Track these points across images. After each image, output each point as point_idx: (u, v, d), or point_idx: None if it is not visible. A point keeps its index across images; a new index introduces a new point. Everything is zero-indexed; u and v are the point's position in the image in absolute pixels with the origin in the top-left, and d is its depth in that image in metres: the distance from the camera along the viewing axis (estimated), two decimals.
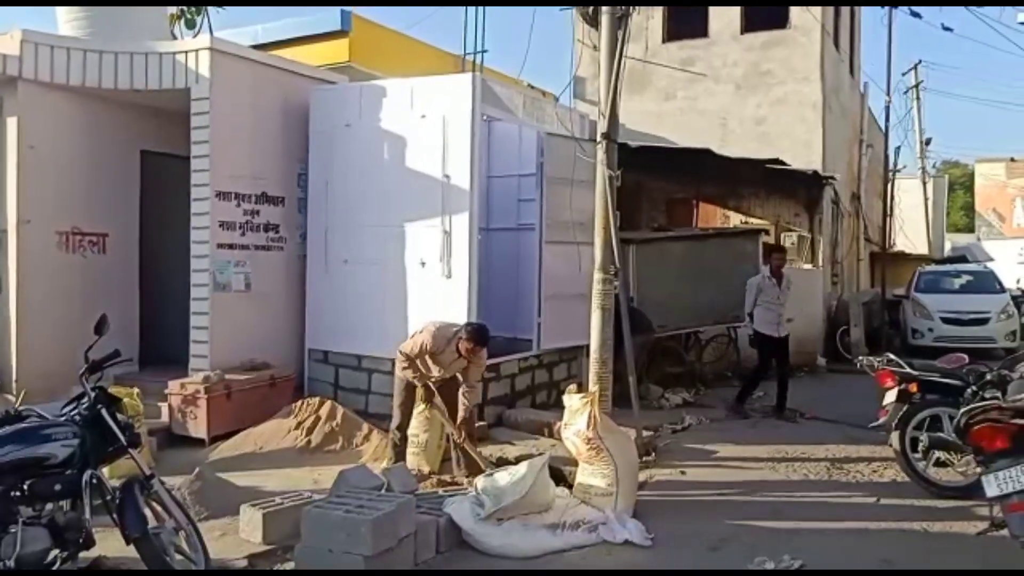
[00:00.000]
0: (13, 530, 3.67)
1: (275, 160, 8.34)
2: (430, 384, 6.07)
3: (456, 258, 7.51)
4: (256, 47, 9.94)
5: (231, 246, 7.92)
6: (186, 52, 7.80)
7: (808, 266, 13.23)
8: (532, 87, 13.89)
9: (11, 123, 7.76)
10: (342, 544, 4.23)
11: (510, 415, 7.72)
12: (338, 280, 8.17)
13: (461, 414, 6.03)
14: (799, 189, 13.24)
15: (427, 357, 6.00)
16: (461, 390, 6.06)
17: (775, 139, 13.52)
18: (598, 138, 6.90)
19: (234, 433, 7.06)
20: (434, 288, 7.55)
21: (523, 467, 5.20)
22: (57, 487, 3.89)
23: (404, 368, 6.03)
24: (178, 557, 4.19)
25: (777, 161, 12.02)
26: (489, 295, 8.05)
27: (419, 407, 6.21)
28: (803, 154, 13.16)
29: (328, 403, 7.29)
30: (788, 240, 13.20)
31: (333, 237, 8.23)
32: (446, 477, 5.96)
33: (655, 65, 14.18)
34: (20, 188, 7.71)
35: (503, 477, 5.16)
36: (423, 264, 7.69)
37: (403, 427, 6.20)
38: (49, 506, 3.89)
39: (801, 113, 13.75)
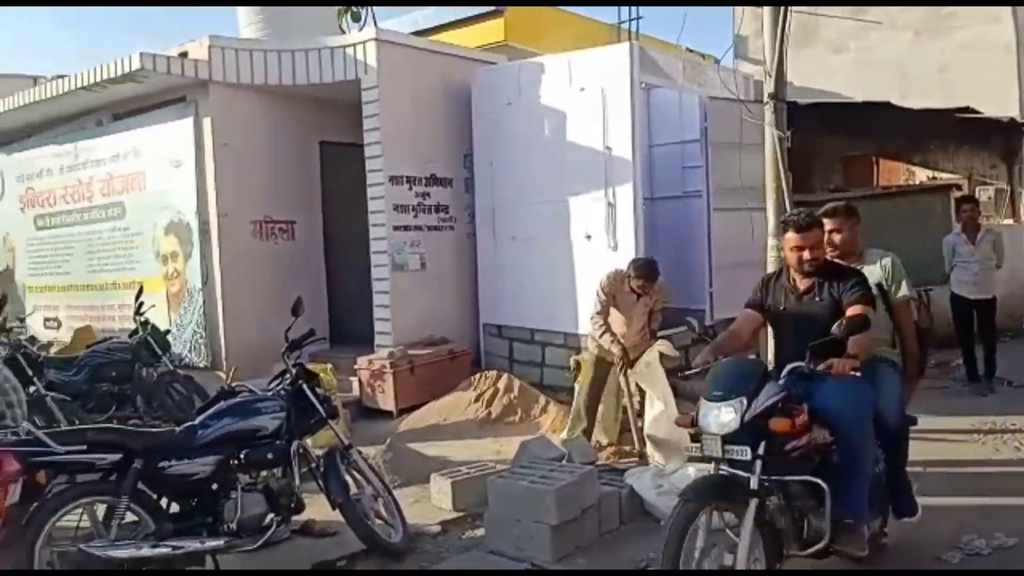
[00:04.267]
0: (234, 496, 4.01)
1: (442, 143, 8.61)
2: (626, 350, 6.03)
3: (621, 230, 7.48)
4: (417, 33, 10.27)
5: (406, 227, 8.29)
6: (354, 45, 8.17)
7: (1008, 221, 12.14)
8: (691, 51, 13.51)
9: (206, 123, 8.44)
10: (528, 514, 4.35)
11: (684, 386, 7.62)
12: (507, 256, 8.35)
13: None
14: (994, 138, 12.14)
15: (610, 309, 6.05)
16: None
17: (960, 87, 12.43)
18: (765, 99, 6.61)
19: (419, 406, 7.42)
20: (600, 261, 7.51)
21: None
22: (269, 456, 4.19)
23: (600, 330, 6.00)
24: (378, 522, 4.47)
25: (968, 110, 11.07)
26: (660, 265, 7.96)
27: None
28: (994, 100, 12.03)
29: (505, 376, 7.51)
30: (984, 194, 12.14)
31: (500, 215, 8.42)
32: (625, 448, 5.99)
33: (823, 16, 13.37)
34: (218, 183, 8.40)
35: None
36: (588, 237, 7.71)
37: (592, 407, 6.23)
38: (263, 473, 4.19)
39: (990, 57, 12.57)
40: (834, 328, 3.45)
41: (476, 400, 7.27)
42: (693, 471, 5.03)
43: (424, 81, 8.43)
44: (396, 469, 5.56)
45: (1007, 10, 12.50)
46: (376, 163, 8.18)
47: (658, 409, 5.66)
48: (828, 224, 4.09)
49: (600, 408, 6.29)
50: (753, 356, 4.53)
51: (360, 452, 4.75)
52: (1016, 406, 6.94)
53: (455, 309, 8.61)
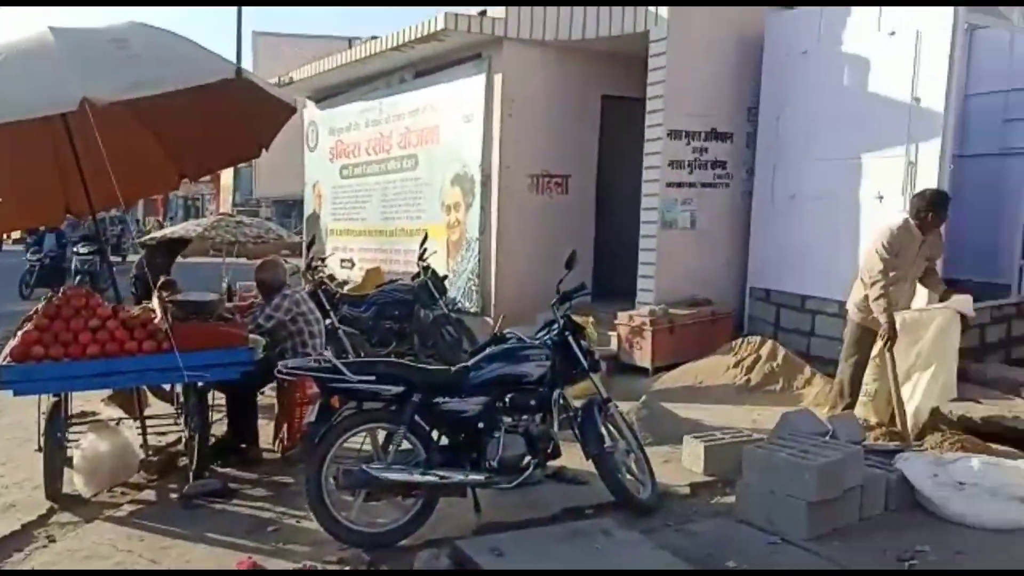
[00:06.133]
0: (497, 435, 4.27)
1: (725, 95, 8.32)
2: (895, 322, 5.53)
3: None
4: None
5: (679, 184, 8.16)
6: None
7: None
8: None
9: (497, 79, 8.88)
10: (784, 487, 4.20)
11: (978, 370, 6.85)
12: (784, 217, 7.94)
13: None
14: None
15: (893, 261, 5.53)
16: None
17: None
18: None
19: (675, 365, 7.38)
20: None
21: None
22: (531, 402, 4.40)
23: (877, 298, 5.48)
24: (628, 477, 4.55)
25: None
26: (959, 232, 7.15)
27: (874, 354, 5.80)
28: None
29: (769, 343, 7.23)
30: None
31: (781, 172, 7.99)
32: (895, 429, 5.54)
33: None
34: (503, 137, 8.82)
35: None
36: (880, 198, 7.08)
37: (855, 382, 5.84)
38: (524, 418, 4.40)
39: None
40: None
41: (735, 365, 7.08)
42: (977, 462, 4.58)
43: (714, 31, 8.18)
44: (649, 427, 5.60)
45: None
46: (656, 117, 8.09)
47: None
48: None
49: (874, 387, 5.83)
50: None
51: (616, 407, 4.82)
52: None
53: (722, 270, 8.39)
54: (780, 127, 8.00)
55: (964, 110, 7.72)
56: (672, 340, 7.57)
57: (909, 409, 5.51)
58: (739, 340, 7.44)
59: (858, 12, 7.34)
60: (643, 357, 7.58)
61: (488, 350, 4.55)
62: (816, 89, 7.63)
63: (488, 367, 4.40)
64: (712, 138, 8.30)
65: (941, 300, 5.72)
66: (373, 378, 4.17)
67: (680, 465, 5.16)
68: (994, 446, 5.29)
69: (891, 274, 5.48)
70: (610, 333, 7.94)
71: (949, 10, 6.56)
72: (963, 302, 5.52)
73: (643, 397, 6.12)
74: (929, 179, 6.67)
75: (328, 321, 6.74)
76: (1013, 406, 6.03)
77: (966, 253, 7.08)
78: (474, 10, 8.95)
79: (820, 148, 7.59)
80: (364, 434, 4.27)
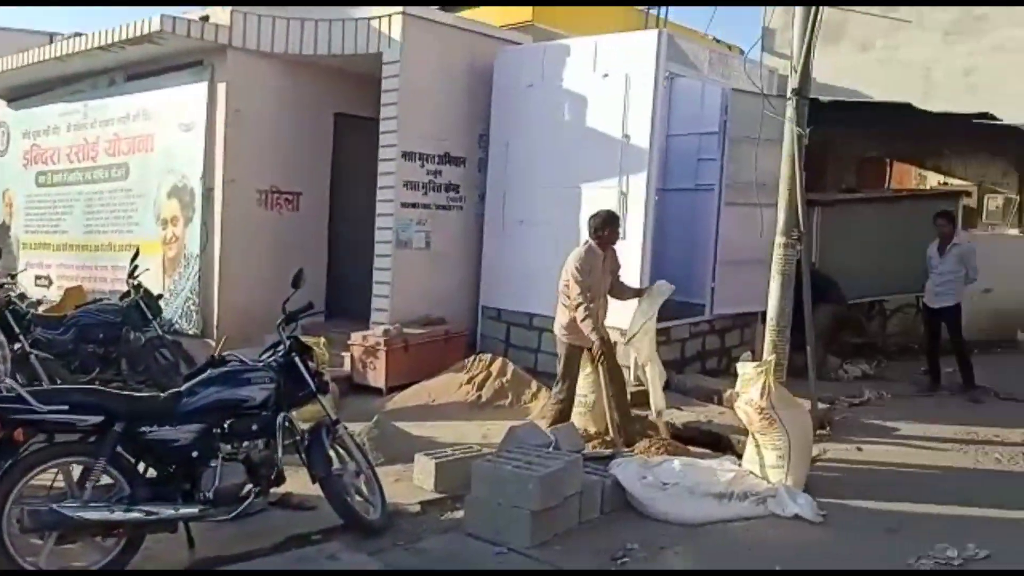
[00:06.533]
0: (213, 464, 3.99)
1: (459, 121, 8.52)
2: (604, 337, 5.93)
3: (631, 220, 7.39)
4: (444, 6, 10.13)
5: (414, 205, 8.23)
6: (380, 18, 8.07)
7: (1015, 231, 11.95)
8: (718, 41, 13.31)
9: (221, 88, 8.42)
10: (510, 498, 4.34)
11: (679, 380, 7.58)
12: (513, 240, 8.29)
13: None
14: (1010, 146, 11.91)
15: (587, 282, 5.93)
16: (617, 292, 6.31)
17: (986, 91, 12.16)
18: (788, 94, 6.49)
19: (409, 385, 7.38)
20: None
21: None
22: (254, 427, 4.18)
23: (584, 319, 5.84)
24: (358, 498, 4.46)
25: (986, 116, 10.86)
26: (662, 258, 7.90)
27: (586, 369, 6.21)
28: (1020, 106, 11.79)
29: (499, 360, 7.47)
30: (992, 203, 11.99)
31: (510, 197, 8.35)
32: (608, 438, 5.96)
33: (853, 12, 13.11)
34: (227, 149, 8.36)
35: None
36: None
37: (568, 396, 6.17)
38: (246, 444, 4.17)
39: (1019, 60, 12.31)
40: None
41: (468, 382, 7.25)
42: (678, 463, 5.04)
43: (447, 58, 8.35)
44: (381, 447, 5.54)
45: None
46: (390, 138, 8.11)
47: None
48: None
49: (591, 398, 6.24)
50: None
51: (346, 428, 4.73)
52: (1001, 417, 6.87)
53: (456, 290, 8.56)
54: (509, 155, 8.37)
55: (667, 148, 8.58)
56: (406, 359, 7.56)
57: (653, 403, 6.12)
58: (471, 358, 7.61)
59: (576, 53, 7.91)
60: (377, 377, 7.50)
61: (206, 373, 4.26)
62: (540, 121, 8.09)
63: (204, 392, 4.12)
64: (446, 162, 8.48)
65: (639, 295, 6.33)
66: (66, 407, 3.74)
67: (411, 483, 5.15)
68: (693, 448, 5.89)
69: (588, 294, 5.90)
70: (344, 354, 7.78)
71: (653, 57, 7.25)
72: (661, 287, 6.23)
73: (375, 417, 6.05)
74: (638, 208, 7.33)
75: (17, 345, 5.95)
76: (708, 412, 6.76)
77: (667, 276, 7.77)
78: (196, 14, 8.44)
79: (544, 176, 8.04)
80: (56, 470, 3.78)
